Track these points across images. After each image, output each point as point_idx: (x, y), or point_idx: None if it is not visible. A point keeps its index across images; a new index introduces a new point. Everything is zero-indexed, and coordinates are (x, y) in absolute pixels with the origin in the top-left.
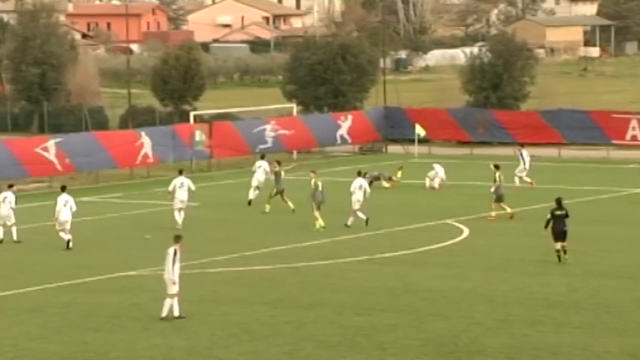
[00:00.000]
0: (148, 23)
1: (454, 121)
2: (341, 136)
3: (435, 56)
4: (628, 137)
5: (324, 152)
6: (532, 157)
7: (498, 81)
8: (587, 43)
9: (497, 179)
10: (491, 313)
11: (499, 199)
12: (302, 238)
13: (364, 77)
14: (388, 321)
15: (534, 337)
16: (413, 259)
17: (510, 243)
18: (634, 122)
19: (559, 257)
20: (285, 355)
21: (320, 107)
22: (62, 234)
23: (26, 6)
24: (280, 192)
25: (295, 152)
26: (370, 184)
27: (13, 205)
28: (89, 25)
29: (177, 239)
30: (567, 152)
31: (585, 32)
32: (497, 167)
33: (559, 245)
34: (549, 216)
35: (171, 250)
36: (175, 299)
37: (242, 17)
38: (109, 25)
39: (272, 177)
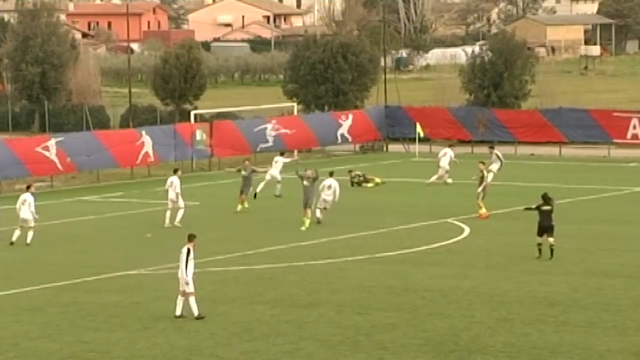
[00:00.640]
0: (149, 22)
1: (454, 120)
2: (342, 135)
3: (435, 55)
4: (629, 135)
5: (325, 151)
6: (532, 155)
7: (499, 80)
8: (587, 42)
9: (485, 176)
10: (492, 312)
11: (483, 196)
12: (302, 237)
13: (364, 76)
14: (388, 320)
15: (535, 336)
16: (413, 257)
17: (510, 242)
18: (634, 121)
19: (539, 250)
20: (286, 354)
21: (321, 106)
22: (17, 231)
23: (27, 5)
24: (245, 192)
25: (296, 151)
26: (359, 184)
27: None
28: (89, 24)
29: (191, 237)
30: (567, 151)
31: (585, 31)
32: (483, 163)
33: (540, 239)
34: (534, 207)
35: (184, 250)
36: (193, 298)
37: (243, 16)
38: (109, 24)
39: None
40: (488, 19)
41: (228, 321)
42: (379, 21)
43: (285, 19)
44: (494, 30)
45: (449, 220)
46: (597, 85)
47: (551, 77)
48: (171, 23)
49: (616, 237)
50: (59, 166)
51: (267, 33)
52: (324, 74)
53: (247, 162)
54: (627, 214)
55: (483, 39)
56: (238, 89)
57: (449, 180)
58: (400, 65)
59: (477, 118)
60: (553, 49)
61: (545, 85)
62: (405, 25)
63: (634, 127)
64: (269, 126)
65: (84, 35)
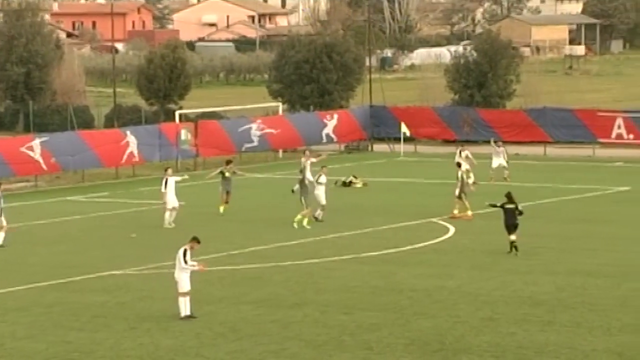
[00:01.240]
0: (133, 22)
1: (439, 119)
2: (327, 135)
3: (420, 55)
4: (613, 135)
5: (310, 151)
6: (516, 155)
7: (483, 79)
8: (572, 41)
9: (460, 178)
10: (477, 311)
11: (461, 195)
12: (288, 237)
13: (349, 75)
14: (373, 320)
15: (520, 336)
16: (398, 257)
17: (495, 241)
18: (619, 121)
19: (511, 247)
20: (271, 354)
21: (306, 106)
22: None
23: (11, 5)
24: (228, 192)
25: (281, 151)
26: (345, 184)
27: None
28: (74, 24)
29: (192, 239)
30: (552, 151)
31: (570, 31)
32: (459, 165)
33: (512, 237)
34: (498, 204)
35: (181, 250)
36: (187, 298)
37: (228, 16)
38: (94, 24)
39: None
40: (473, 19)
41: (213, 321)
42: (363, 21)
43: (270, 19)
44: (478, 30)
45: (434, 220)
46: (582, 85)
47: (536, 77)
48: (156, 23)
49: (601, 237)
50: (44, 166)
51: (252, 33)
52: (309, 74)
53: (231, 164)
54: (611, 214)
55: (468, 39)
56: (223, 88)
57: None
58: (385, 65)
59: (462, 118)
60: (538, 49)
61: (529, 85)
62: (390, 25)
63: (619, 127)
64: (254, 126)
65: (69, 35)
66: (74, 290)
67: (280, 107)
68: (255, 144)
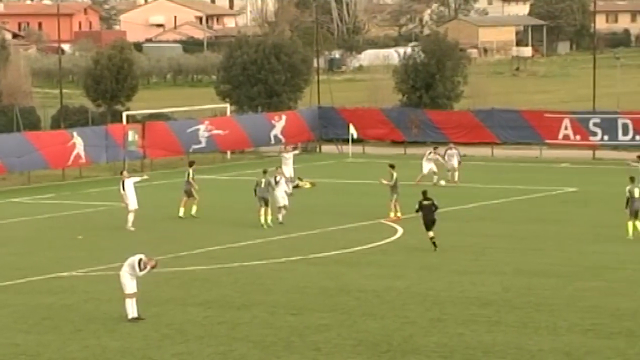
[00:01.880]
0: (80, 23)
1: (387, 121)
2: (275, 136)
3: (368, 56)
4: (560, 136)
5: (258, 152)
6: (464, 156)
7: (431, 81)
8: (519, 43)
9: (393, 179)
10: (425, 312)
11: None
12: (236, 238)
13: (297, 77)
14: (322, 321)
15: (468, 336)
16: (347, 258)
17: (443, 242)
18: (566, 122)
19: (434, 244)
20: (219, 355)
21: (254, 107)
22: None
23: None
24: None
25: (229, 152)
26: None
27: None
28: (19, 25)
29: (151, 259)
30: (500, 152)
31: (517, 32)
32: (392, 166)
33: (431, 233)
34: (417, 206)
35: (136, 260)
36: (134, 300)
37: (175, 17)
38: (40, 25)
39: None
40: (420, 20)
41: (160, 323)
42: (311, 22)
43: (217, 20)
44: (426, 31)
45: (382, 221)
46: (529, 86)
47: (483, 78)
48: (103, 24)
49: (547, 237)
50: None
51: (199, 34)
52: (256, 75)
53: (193, 167)
54: (558, 214)
55: (415, 40)
56: (170, 89)
57: (442, 182)
58: (333, 66)
59: (410, 119)
60: (485, 50)
61: (477, 86)
62: (338, 26)
63: (566, 128)
64: (202, 127)
65: (14, 35)
66: (21, 292)
67: (228, 108)
68: (203, 145)
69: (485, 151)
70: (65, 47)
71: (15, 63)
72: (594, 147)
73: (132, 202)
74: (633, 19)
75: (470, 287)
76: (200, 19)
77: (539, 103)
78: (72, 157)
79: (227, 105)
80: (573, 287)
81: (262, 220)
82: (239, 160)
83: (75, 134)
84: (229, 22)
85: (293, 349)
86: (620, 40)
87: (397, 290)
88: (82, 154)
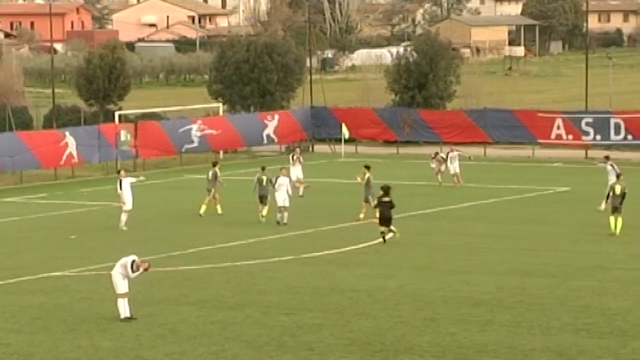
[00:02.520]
0: (72, 22)
1: (380, 120)
2: (268, 136)
3: (361, 56)
4: (553, 136)
5: (251, 152)
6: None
7: (424, 80)
8: (511, 42)
9: (364, 179)
10: (417, 312)
11: (367, 199)
12: (228, 238)
13: (290, 76)
14: (314, 321)
15: (460, 336)
16: (339, 258)
17: (435, 242)
18: (558, 121)
19: (384, 238)
20: (212, 355)
21: (247, 107)
22: None
23: None
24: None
25: (221, 151)
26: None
27: None
28: (12, 24)
29: (145, 262)
30: (492, 151)
31: (510, 32)
32: (367, 167)
33: (382, 227)
34: (375, 202)
35: (129, 261)
36: (126, 300)
37: (168, 17)
38: (32, 24)
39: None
40: (413, 20)
41: (153, 323)
42: (304, 21)
43: (210, 19)
44: (418, 31)
45: (375, 220)
46: (522, 86)
47: (476, 78)
48: (95, 23)
49: (540, 237)
50: None
51: (192, 33)
52: (249, 74)
53: (218, 166)
54: (550, 214)
55: (408, 40)
56: (163, 89)
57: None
58: (325, 65)
59: (403, 119)
60: (477, 50)
61: (470, 86)
62: (330, 25)
63: (558, 128)
64: (195, 127)
65: (7, 35)
66: (12, 292)
67: (221, 107)
68: (196, 144)
69: (477, 151)
70: (58, 46)
71: (8, 63)
72: (586, 147)
73: (128, 202)
74: (625, 19)
75: (462, 286)
76: (193, 18)
77: (532, 103)
78: (64, 157)
79: (220, 104)
80: (565, 286)
81: (264, 214)
82: (232, 160)
83: (67, 133)
84: (222, 22)
85: (286, 349)
86: (613, 39)
87: (389, 289)
88: (75, 153)
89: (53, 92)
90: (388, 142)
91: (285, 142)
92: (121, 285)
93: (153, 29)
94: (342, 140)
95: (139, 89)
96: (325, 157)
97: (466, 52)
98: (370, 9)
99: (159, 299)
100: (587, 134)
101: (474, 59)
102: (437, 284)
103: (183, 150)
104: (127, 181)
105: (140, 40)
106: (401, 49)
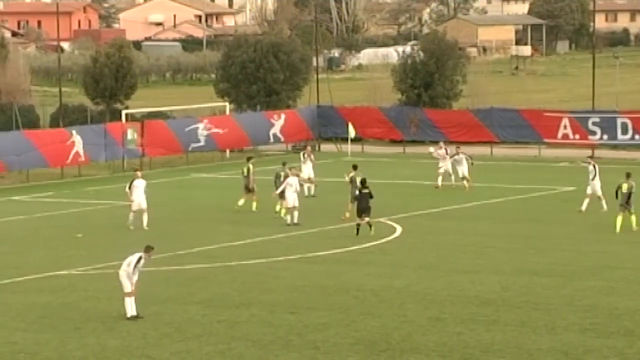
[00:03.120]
0: (79, 21)
1: (386, 120)
2: (274, 135)
3: (367, 55)
4: (559, 135)
5: (257, 151)
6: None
7: (430, 80)
8: (518, 42)
9: (351, 179)
10: (424, 311)
11: (354, 198)
12: (235, 237)
13: (296, 75)
14: (320, 320)
15: (467, 335)
16: (345, 257)
17: (442, 241)
18: (565, 121)
19: (357, 230)
20: (218, 354)
21: (253, 106)
22: None
23: None
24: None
25: (228, 150)
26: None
27: None
28: (19, 23)
29: (148, 249)
30: (499, 151)
31: (516, 31)
32: (355, 167)
33: (359, 220)
34: (357, 193)
35: (135, 257)
36: (133, 298)
37: (174, 16)
38: (39, 23)
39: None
40: (420, 19)
41: (160, 321)
42: (311, 21)
43: (217, 19)
44: (425, 30)
45: (381, 219)
46: (528, 86)
47: (482, 77)
48: (102, 22)
49: (546, 237)
50: None
51: (198, 32)
52: (255, 74)
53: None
54: (557, 213)
55: (415, 39)
56: (169, 88)
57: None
58: (332, 65)
59: (409, 118)
60: (484, 49)
61: (476, 85)
62: (337, 24)
63: (565, 127)
64: (201, 126)
65: (14, 34)
66: (19, 291)
67: (227, 106)
68: (202, 143)
69: (484, 150)
70: (65, 45)
71: (15, 61)
72: (593, 146)
73: (137, 202)
74: (632, 18)
75: (469, 286)
76: (200, 17)
77: (538, 102)
78: (71, 156)
79: (226, 103)
80: (572, 286)
81: (284, 212)
82: (238, 159)
83: (74, 132)
84: (229, 21)
85: (292, 348)
86: (620, 39)
87: (395, 289)
88: (81, 152)
89: (60, 91)
90: (394, 142)
91: (291, 141)
92: (128, 284)
93: (160, 28)
94: (349, 140)
95: (146, 88)
96: (331, 156)
97: (473, 51)
98: (377, 8)
99: (165, 297)
100: (593, 133)
101: (481, 59)
102: (443, 283)
103: (189, 149)
104: (141, 182)
105: (147, 39)
106: (408, 48)
